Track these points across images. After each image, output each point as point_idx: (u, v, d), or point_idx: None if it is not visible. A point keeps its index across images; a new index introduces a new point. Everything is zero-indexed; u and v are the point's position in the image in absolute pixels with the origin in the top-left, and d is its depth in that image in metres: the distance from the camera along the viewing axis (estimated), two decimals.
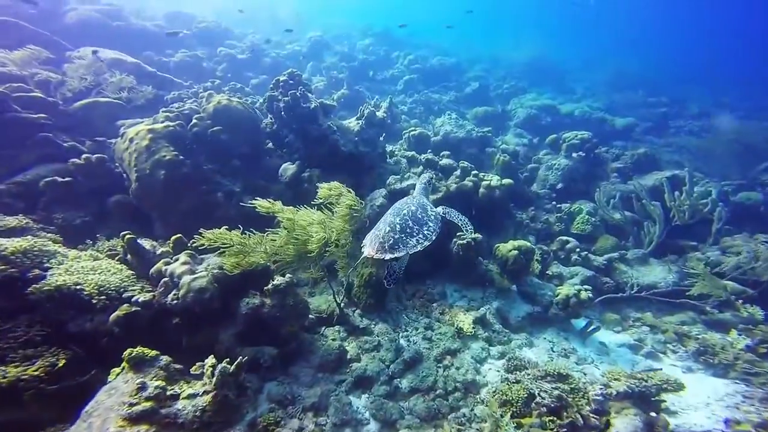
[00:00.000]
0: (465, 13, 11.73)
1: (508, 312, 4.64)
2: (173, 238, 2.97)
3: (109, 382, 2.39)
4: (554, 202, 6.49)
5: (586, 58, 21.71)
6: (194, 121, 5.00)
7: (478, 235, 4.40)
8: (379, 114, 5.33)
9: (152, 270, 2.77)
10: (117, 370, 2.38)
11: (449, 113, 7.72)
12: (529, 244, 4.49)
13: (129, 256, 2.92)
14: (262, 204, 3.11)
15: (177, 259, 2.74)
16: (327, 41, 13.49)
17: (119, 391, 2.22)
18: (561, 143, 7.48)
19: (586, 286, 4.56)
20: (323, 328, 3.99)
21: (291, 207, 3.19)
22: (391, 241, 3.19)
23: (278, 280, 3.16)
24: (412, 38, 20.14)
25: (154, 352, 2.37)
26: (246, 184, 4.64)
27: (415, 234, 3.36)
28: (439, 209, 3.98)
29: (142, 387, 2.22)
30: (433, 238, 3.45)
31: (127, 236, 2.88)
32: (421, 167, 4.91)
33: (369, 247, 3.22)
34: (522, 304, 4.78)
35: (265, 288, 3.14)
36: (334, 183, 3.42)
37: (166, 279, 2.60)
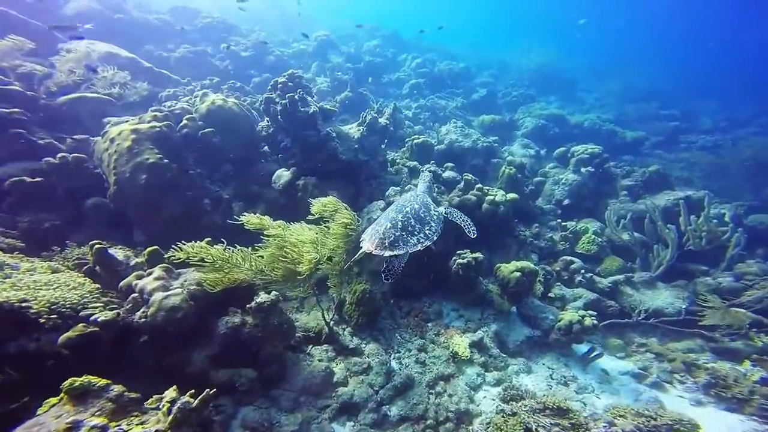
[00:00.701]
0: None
1: (506, 335, 4.47)
2: (148, 250, 2.81)
3: (37, 415, 2.00)
4: (559, 220, 6.30)
5: (598, 68, 21.53)
6: (184, 121, 4.76)
7: (479, 255, 4.24)
8: (382, 120, 5.17)
9: (122, 283, 2.60)
10: (53, 400, 2.04)
11: (455, 121, 7.55)
12: (532, 265, 4.31)
13: (98, 268, 2.75)
14: (250, 220, 2.94)
15: (150, 273, 2.57)
16: (333, 41, 13.40)
17: (44, 429, 1.87)
18: (569, 157, 7.29)
19: (590, 312, 4.37)
20: (310, 347, 3.83)
21: (281, 222, 3.01)
22: (391, 238, 3.15)
23: (262, 297, 3.00)
24: (421, 41, 20.03)
25: (103, 381, 2.07)
26: (238, 189, 4.46)
27: (416, 233, 3.32)
28: (441, 209, 3.93)
29: (75, 426, 1.85)
30: (435, 238, 3.41)
31: (96, 246, 2.71)
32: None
33: (368, 242, 3.17)
34: (522, 327, 4.61)
35: (248, 306, 2.98)
36: (329, 199, 3.25)
37: (135, 295, 2.43)
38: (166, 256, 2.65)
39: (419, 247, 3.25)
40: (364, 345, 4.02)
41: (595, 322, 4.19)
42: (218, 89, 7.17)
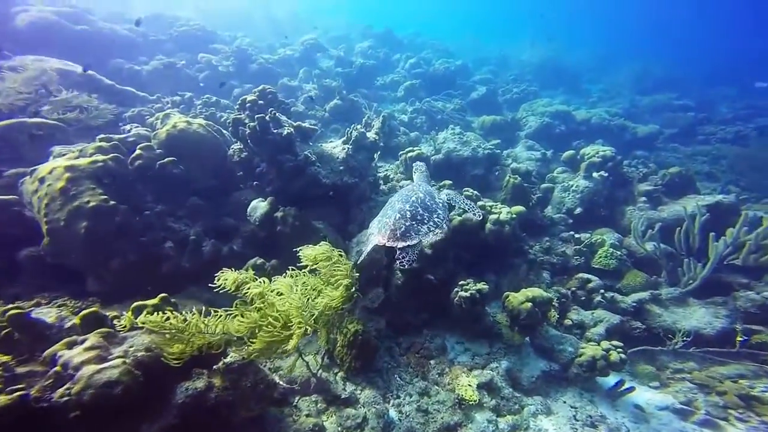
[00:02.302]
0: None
1: (519, 371, 4.11)
2: (82, 313, 2.47)
3: None
4: (572, 232, 5.93)
5: (602, 56, 21.13)
6: (138, 151, 4.19)
7: (484, 286, 3.90)
8: (371, 135, 4.85)
9: (45, 354, 2.26)
10: None
11: (452, 127, 7.24)
12: (545, 294, 3.96)
13: (18, 334, 2.41)
14: (225, 278, 2.62)
15: (84, 341, 2.24)
16: (321, 45, 13.17)
17: None
18: (579, 160, 6.93)
19: (616, 344, 3.99)
20: (297, 399, 3.51)
21: (263, 280, 2.68)
22: (402, 229, 3.19)
23: (232, 356, 2.68)
24: (416, 39, 19.83)
25: None
26: (209, 225, 4.08)
27: (425, 221, 3.38)
28: (443, 196, 3.93)
29: None
30: (444, 227, 3.42)
31: (12, 312, 2.37)
32: None
33: (379, 235, 3.19)
34: (536, 360, 4.25)
35: (215, 366, 2.66)
36: (321, 248, 2.92)
37: (57, 369, 2.09)
38: (112, 316, 2.36)
39: (430, 236, 3.29)
40: (359, 391, 3.69)
41: (623, 356, 3.82)
42: (191, 106, 6.78)
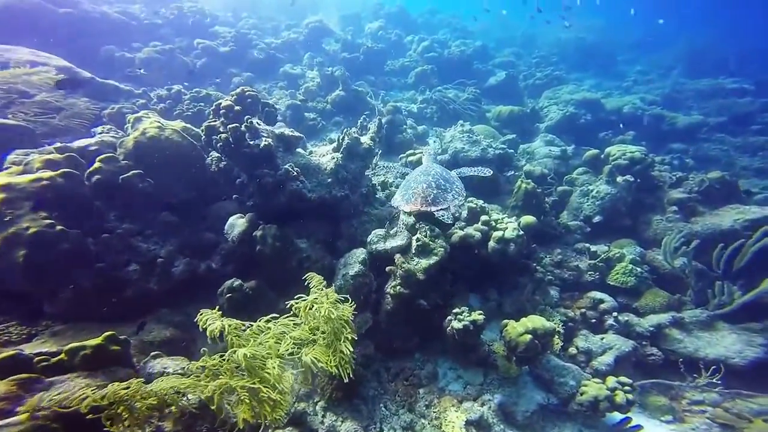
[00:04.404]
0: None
1: (515, 403, 3.91)
2: None
3: None
4: (587, 245, 5.52)
5: (644, 33, 19.35)
6: (96, 164, 3.76)
7: (479, 317, 3.68)
8: (365, 141, 4.57)
9: None
10: None
11: (462, 124, 6.80)
12: (547, 325, 3.69)
13: None
14: (203, 320, 2.47)
15: None
16: (327, 27, 12.66)
17: None
18: (603, 161, 6.38)
19: (623, 381, 3.71)
20: None
21: (249, 338, 2.49)
22: (432, 195, 3.66)
23: (190, 396, 2.60)
24: (432, 17, 18.82)
25: None
26: (185, 242, 3.94)
27: (449, 190, 3.85)
28: (453, 172, 4.37)
29: None
30: (464, 194, 4.01)
31: None
32: (412, 218, 4.12)
33: (411, 203, 3.66)
34: (533, 391, 4.03)
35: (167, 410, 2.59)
36: (324, 307, 2.70)
37: None
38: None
39: (456, 202, 3.82)
40: (339, 423, 3.61)
41: (630, 397, 3.53)
42: (179, 100, 6.53)
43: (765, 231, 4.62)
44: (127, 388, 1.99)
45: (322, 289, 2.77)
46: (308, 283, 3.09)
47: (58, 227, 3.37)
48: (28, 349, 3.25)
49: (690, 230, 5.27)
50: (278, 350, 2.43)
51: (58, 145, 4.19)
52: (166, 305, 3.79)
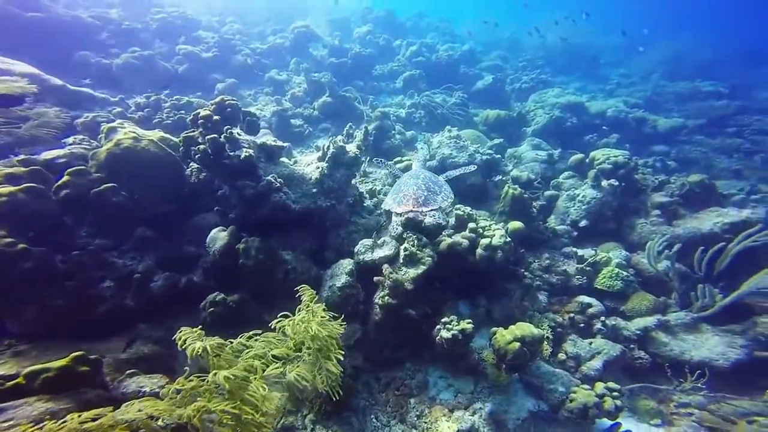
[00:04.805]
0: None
1: (505, 411, 3.92)
2: None
3: None
4: (574, 249, 5.60)
5: (626, 36, 19.87)
6: (65, 177, 3.62)
7: (468, 326, 3.69)
8: (351, 149, 4.55)
9: None
10: None
11: (449, 129, 6.84)
12: (535, 332, 3.72)
13: None
14: (182, 338, 2.36)
15: None
16: (313, 32, 12.63)
17: None
18: (588, 165, 6.51)
19: (612, 387, 3.76)
20: None
21: (228, 353, 2.38)
22: (423, 197, 3.80)
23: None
24: (420, 20, 18.98)
25: None
26: (165, 256, 3.84)
27: (438, 192, 3.98)
28: (441, 177, 4.52)
29: None
30: (452, 197, 4.10)
31: None
32: (400, 228, 4.13)
33: (404, 205, 3.76)
34: (524, 398, 4.05)
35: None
36: (308, 324, 2.64)
37: None
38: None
39: (445, 204, 3.94)
40: None
41: (619, 403, 3.59)
42: (158, 108, 6.37)
43: (746, 234, 4.77)
44: (95, 419, 1.89)
45: (308, 306, 2.71)
46: (299, 296, 3.05)
47: (20, 246, 3.23)
48: None
49: (672, 234, 5.40)
50: (262, 371, 2.37)
51: (22, 157, 4.00)
52: (146, 321, 3.67)
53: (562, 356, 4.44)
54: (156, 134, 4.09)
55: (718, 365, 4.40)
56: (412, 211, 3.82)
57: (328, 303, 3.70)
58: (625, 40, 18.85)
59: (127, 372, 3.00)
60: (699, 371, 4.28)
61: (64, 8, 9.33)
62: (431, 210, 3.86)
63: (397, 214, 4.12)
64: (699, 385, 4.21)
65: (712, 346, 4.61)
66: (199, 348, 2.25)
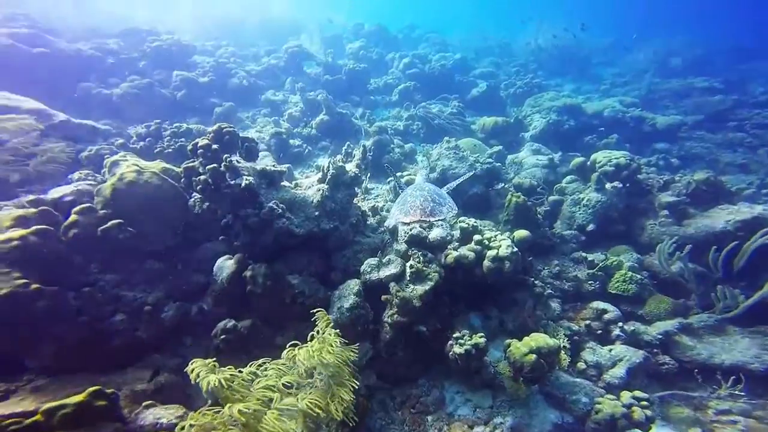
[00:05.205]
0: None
1: (527, 425, 3.81)
2: None
3: None
4: (583, 254, 5.55)
5: (617, 35, 20.22)
6: (73, 217, 3.67)
7: (480, 340, 3.64)
8: (350, 169, 4.58)
9: None
10: None
11: (447, 140, 6.90)
12: (551, 342, 3.65)
13: None
14: (195, 370, 2.33)
15: None
16: (307, 51, 12.92)
17: None
18: (590, 168, 6.51)
19: (639, 396, 3.66)
20: None
21: (238, 384, 2.36)
22: (429, 208, 3.85)
23: None
24: (412, 32, 19.42)
25: None
26: (173, 287, 3.89)
27: (443, 204, 4.05)
28: (444, 190, 4.64)
29: None
30: (456, 209, 4.17)
31: None
32: (404, 245, 4.13)
33: (411, 215, 3.81)
34: (546, 410, 3.93)
35: None
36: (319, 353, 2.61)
37: None
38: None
39: (450, 215, 4.03)
40: None
41: (649, 413, 3.48)
42: (159, 137, 6.48)
43: (764, 232, 4.69)
44: None
45: (321, 332, 2.69)
46: (314, 319, 3.03)
47: (33, 286, 3.30)
48: (2, 408, 3.10)
49: (684, 234, 5.35)
50: (275, 401, 2.34)
51: (32, 197, 4.09)
52: (160, 351, 3.67)
53: (581, 365, 4.34)
54: (158, 165, 4.14)
55: (753, 369, 4.17)
56: (419, 220, 3.88)
57: (338, 324, 3.66)
58: (615, 39, 19.21)
59: (144, 404, 2.97)
60: (734, 377, 4.10)
61: (66, 42, 9.63)
62: (438, 220, 3.91)
63: (404, 223, 4.18)
64: (736, 391, 4.04)
65: (743, 348, 4.42)
66: (213, 381, 2.22)
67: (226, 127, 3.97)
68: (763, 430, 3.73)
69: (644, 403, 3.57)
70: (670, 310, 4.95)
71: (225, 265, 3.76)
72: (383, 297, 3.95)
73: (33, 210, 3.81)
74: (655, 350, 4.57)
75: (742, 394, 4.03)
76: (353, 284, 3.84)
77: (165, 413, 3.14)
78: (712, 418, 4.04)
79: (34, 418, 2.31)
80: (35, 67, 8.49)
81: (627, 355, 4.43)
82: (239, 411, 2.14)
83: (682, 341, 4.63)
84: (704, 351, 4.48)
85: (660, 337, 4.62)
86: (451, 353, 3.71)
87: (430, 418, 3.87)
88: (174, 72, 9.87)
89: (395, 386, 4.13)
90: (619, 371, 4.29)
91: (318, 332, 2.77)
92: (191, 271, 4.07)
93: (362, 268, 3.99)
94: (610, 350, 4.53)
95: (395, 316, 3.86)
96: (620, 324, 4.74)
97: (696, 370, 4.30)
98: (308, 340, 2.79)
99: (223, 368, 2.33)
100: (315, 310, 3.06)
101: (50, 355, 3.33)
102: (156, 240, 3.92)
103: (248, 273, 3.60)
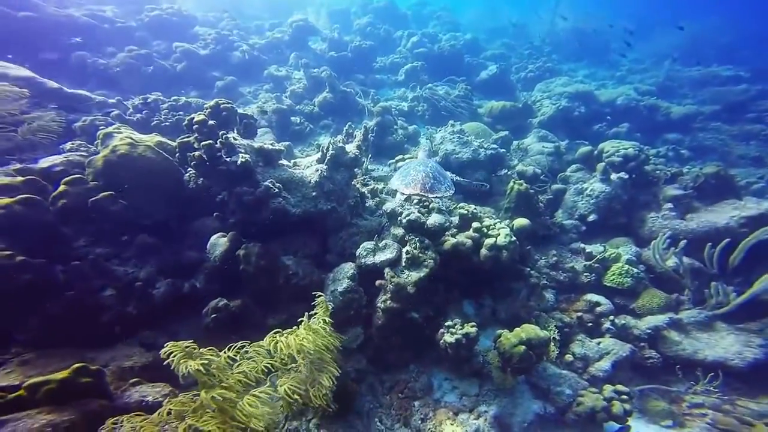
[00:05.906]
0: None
1: (511, 414, 3.91)
2: None
3: None
4: (582, 245, 5.50)
5: (638, 19, 19.26)
6: (62, 187, 3.58)
7: (472, 330, 3.67)
8: (351, 150, 4.49)
9: None
10: None
11: (452, 124, 6.72)
12: (541, 334, 3.67)
13: None
14: (171, 351, 2.34)
15: None
16: (312, 26, 12.46)
17: None
18: (596, 158, 6.35)
19: (620, 390, 3.71)
20: None
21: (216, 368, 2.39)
22: (429, 183, 3.92)
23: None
24: (422, 9, 18.62)
25: None
26: (166, 262, 3.90)
27: (443, 182, 4.09)
28: (449, 174, 4.55)
29: None
30: (453, 191, 4.20)
31: None
32: (401, 230, 4.09)
33: (411, 188, 3.88)
34: (530, 401, 4.02)
35: None
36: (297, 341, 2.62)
37: None
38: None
39: (449, 194, 4.08)
40: None
41: (628, 407, 3.54)
42: (156, 110, 6.33)
43: (764, 231, 4.61)
44: None
45: (309, 321, 2.70)
46: (313, 303, 3.04)
47: (18, 258, 3.23)
48: None
49: (686, 228, 5.26)
50: (251, 387, 2.38)
51: (19, 166, 3.96)
52: (150, 327, 3.72)
53: (569, 357, 4.39)
54: (153, 139, 4.07)
55: (733, 365, 4.29)
56: (417, 194, 3.94)
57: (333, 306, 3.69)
58: (637, 24, 18.28)
59: (131, 381, 3.04)
60: (712, 373, 4.17)
61: (54, 8, 9.12)
62: (436, 197, 4.01)
63: (402, 194, 4.26)
64: (712, 388, 4.11)
65: (727, 345, 4.50)
66: (191, 366, 2.24)
67: (223, 103, 3.88)
68: (728, 422, 3.90)
69: (624, 396, 3.63)
70: (663, 305, 4.94)
71: (218, 242, 3.76)
72: (377, 282, 3.96)
73: (20, 178, 3.70)
74: (643, 344, 4.63)
75: (717, 390, 4.12)
76: (348, 268, 3.84)
77: (151, 391, 3.18)
78: (684, 411, 4.20)
79: (17, 393, 2.33)
80: (22, 33, 8.04)
81: (614, 349, 4.48)
82: (212, 398, 2.18)
83: (669, 336, 4.67)
84: (689, 347, 4.54)
85: (649, 331, 4.66)
86: (441, 341, 3.75)
87: (417, 403, 3.97)
88: (174, 43, 9.57)
89: (385, 371, 4.21)
90: (605, 364, 4.34)
91: (307, 318, 2.79)
92: (184, 247, 4.08)
93: (358, 251, 3.98)
94: (599, 343, 4.58)
95: (388, 301, 3.88)
96: (611, 317, 4.77)
97: (678, 366, 4.37)
98: (298, 325, 2.81)
99: (202, 350, 2.35)
100: (315, 293, 3.09)
101: (38, 328, 3.34)
102: (148, 214, 3.90)
103: (241, 252, 3.60)
